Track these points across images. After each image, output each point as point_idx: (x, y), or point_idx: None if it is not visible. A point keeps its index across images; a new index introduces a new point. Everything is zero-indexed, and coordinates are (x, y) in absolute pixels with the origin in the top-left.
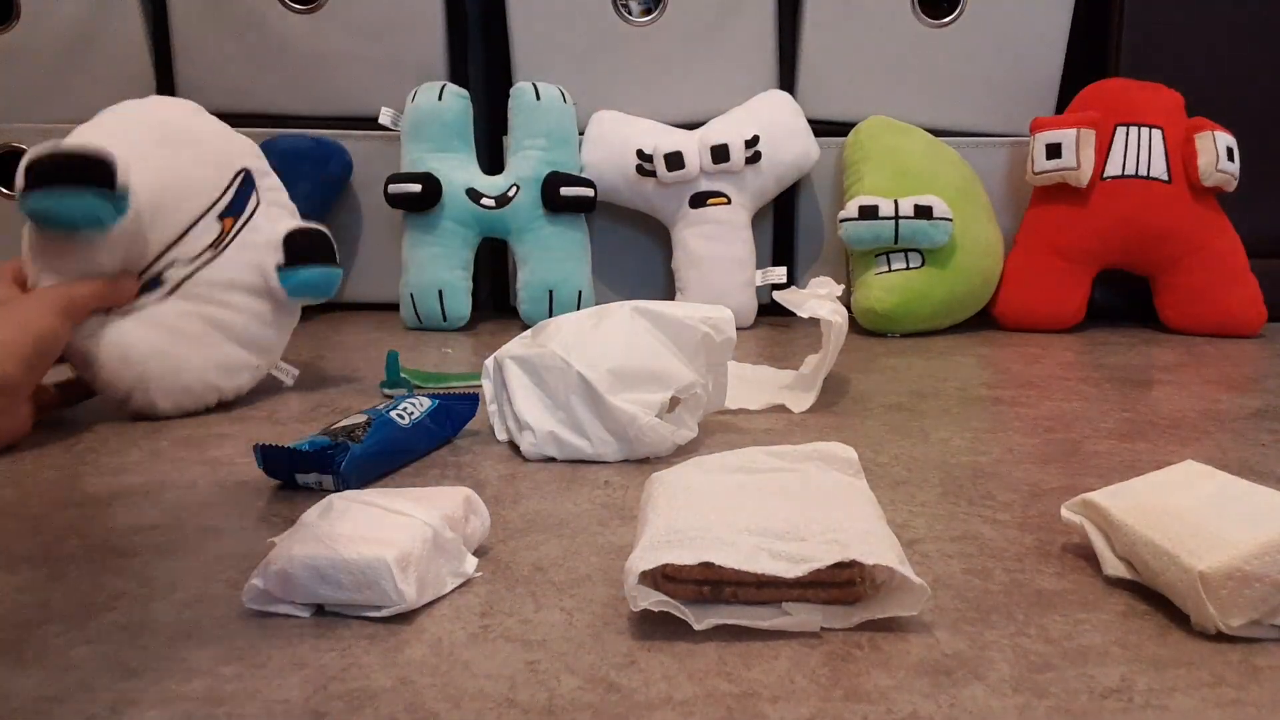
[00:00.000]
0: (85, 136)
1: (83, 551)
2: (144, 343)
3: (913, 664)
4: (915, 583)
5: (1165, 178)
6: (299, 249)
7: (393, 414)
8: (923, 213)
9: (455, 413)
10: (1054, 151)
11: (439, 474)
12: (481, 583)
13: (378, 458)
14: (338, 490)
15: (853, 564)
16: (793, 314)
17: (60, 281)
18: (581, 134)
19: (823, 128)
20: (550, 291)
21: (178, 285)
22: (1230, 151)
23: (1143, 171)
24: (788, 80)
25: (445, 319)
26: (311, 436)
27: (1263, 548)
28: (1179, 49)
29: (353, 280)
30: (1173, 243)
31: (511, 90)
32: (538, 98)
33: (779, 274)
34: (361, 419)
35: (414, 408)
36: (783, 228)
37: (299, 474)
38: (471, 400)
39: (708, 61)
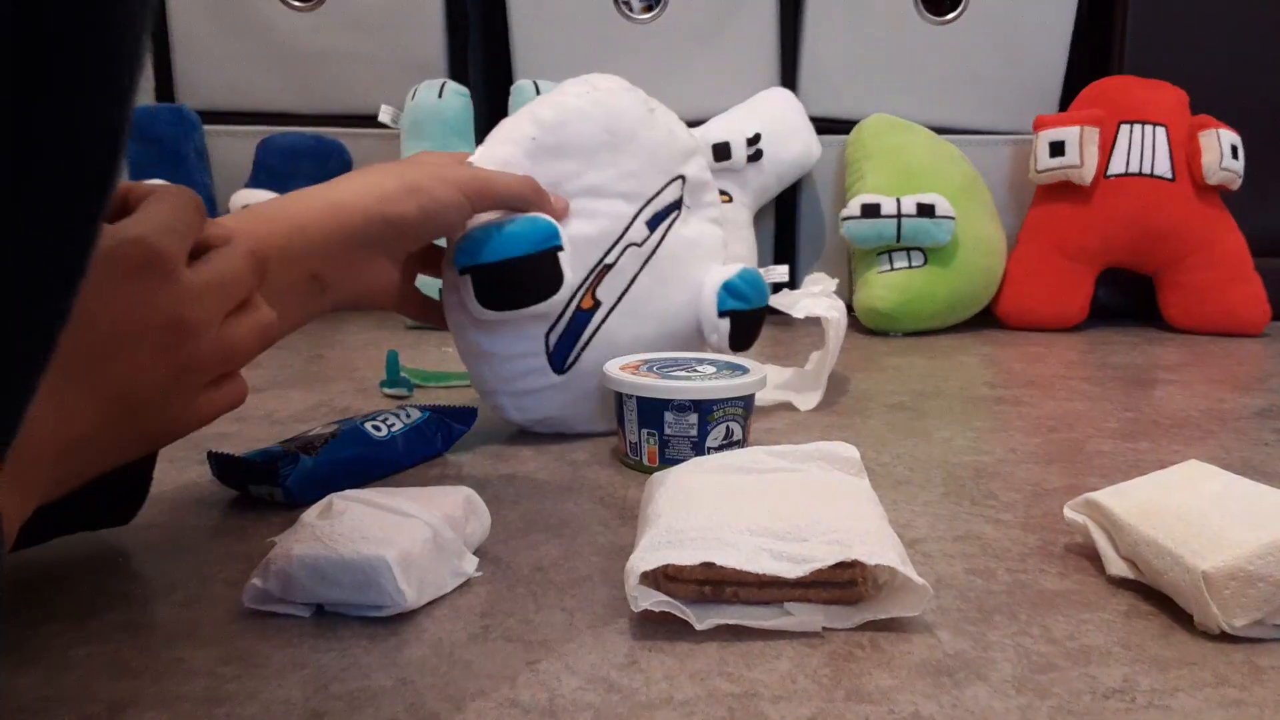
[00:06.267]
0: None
1: (82, 551)
2: None
3: (915, 664)
4: (917, 583)
5: (1169, 176)
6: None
7: (367, 425)
8: (925, 211)
9: (447, 426)
10: (1057, 149)
11: (439, 474)
12: (482, 583)
13: (336, 473)
14: (288, 504)
15: (855, 564)
16: None
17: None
18: None
19: (825, 125)
20: None
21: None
22: (1234, 149)
23: (1146, 169)
24: (789, 78)
25: None
26: (280, 444)
27: (1266, 548)
28: (1183, 46)
29: None
30: (1176, 241)
31: (512, 88)
32: (538, 95)
33: (781, 272)
34: (330, 429)
35: (396, 420)
36: (784, 226)
37: (251, 485)
38: (469, 414)
39: (709, 59)
